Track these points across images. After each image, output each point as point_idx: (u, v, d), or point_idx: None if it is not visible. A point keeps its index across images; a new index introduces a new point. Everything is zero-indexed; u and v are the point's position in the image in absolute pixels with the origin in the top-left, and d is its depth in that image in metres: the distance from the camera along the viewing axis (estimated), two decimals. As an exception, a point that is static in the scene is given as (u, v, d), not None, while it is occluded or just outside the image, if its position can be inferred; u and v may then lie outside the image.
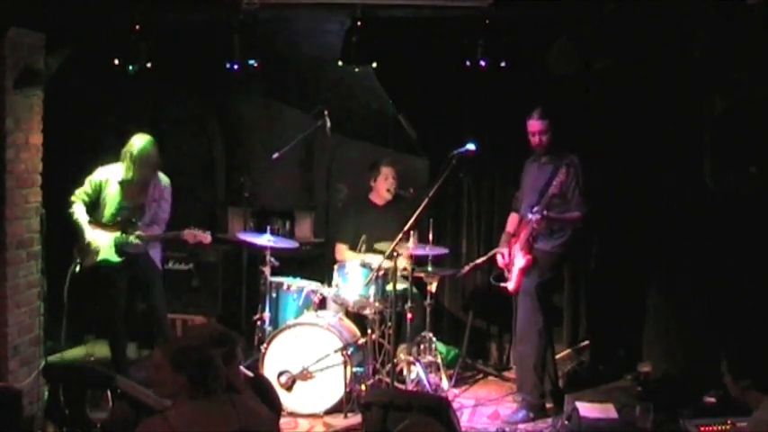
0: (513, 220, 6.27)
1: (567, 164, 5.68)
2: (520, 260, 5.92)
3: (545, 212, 5.69)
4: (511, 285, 6.08)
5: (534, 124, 5.88)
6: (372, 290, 6.08)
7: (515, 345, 6.23)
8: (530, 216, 5.78)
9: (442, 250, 6.51)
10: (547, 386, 5.96)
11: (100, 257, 6.04)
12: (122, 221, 6.04)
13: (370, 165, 6.87)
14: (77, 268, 6.03)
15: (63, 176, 6.03)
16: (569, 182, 5.70)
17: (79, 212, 6.04)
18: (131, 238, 6.02)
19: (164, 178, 6.20)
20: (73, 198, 6.06)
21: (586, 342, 6.84)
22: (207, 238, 6.07)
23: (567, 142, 5.92)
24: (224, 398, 3.54)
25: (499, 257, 6.19)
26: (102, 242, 6.04)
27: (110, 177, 6.08)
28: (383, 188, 6.74)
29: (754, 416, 3.68)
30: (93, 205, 6.11)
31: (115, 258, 6.04)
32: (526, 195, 6.06)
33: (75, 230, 6.05)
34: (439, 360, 6.34)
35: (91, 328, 7.14)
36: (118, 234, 6.03)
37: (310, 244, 7.45)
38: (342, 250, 6.83)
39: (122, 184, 6.06)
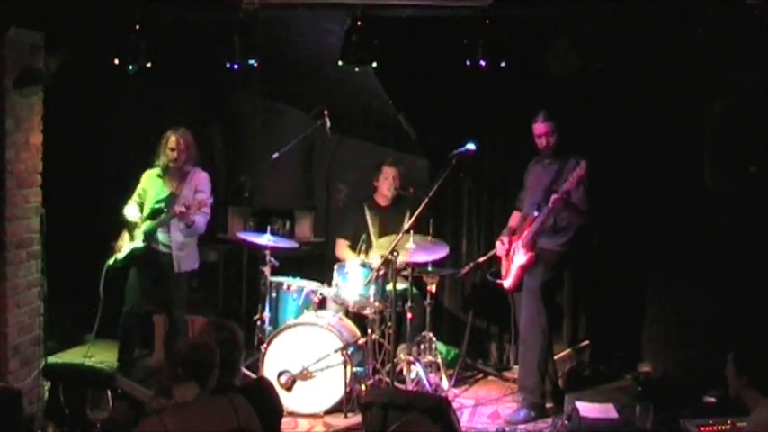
0: (515, 217, 6.28)
1: (584, 161, 5.66)
2: (521, 257, 5.92)
3: (564, 196, 5.65)
4: (507, 283, 6.08)
5: (540, 127, 5.89)
6: (372, 290, 6.08)
7: (519, 344, 6.22)
8: (535, 214, 5.77)
9: (442, 253, 6.42)
10: (547, 386, 5.96)
11: (132, 246, 6.19)
12: (155, 211, 6.17)
13: (374, 165, 6.88)
14: (112, 260, 6.19)
15: (63, 176, 6.04)
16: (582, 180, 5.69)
17: (130, 212, 6.26)
18: (155, 223, 6.15)
19: (201, 173, 6.32)
20: (128, 202, 6.30)
21: (586, 342, 6.84)
22: (206, 199, 6.14)
23: (569, 142, 5.93)
24: (222, 398, 3.54)
25: (498, 244, 6.18)
26: (137, 233, 6.22)
27: (152, 174, 6.28)
28: (385, 188, 6.75)
29: (754, 415, 3.68)
30: (143, 204, 6.29)
31: (140, 244, 6.16)
32: (530, 195, 6.06)
33: (125, 227, 6.27)
34: (439, 360, 6.34)
35: (99, 326, 7.14)
36: (148, 223, 6.18)
37: (310, 244, 7.45)
38: (341, 246, 6.84)
39: (161, 175, 6.25)
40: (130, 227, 6.26)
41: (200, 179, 6.27)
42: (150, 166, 6.32)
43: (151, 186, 6.27)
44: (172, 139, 6.17)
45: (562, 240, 5.89)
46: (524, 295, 5.96)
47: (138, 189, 6.32)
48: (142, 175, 6.34)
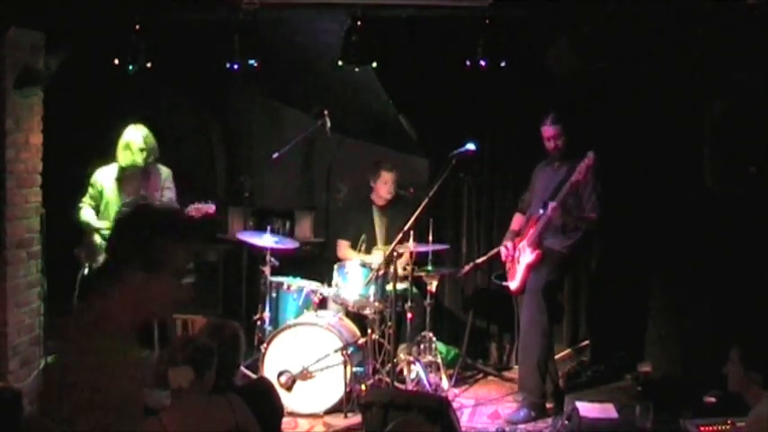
0: (518, 219, 6.26)
1: (592, 152, 5.63)
2: (528, 256, 5.91)
3: (563, 201, 5.66)
4: (513, 285, 6.07)
5: (548, 130, 5.88)
6: (372, 290, 6.08)
7: (519, 344, 6.22)
8: (541, 212, 5.77)
9: (442, 246, 6.51)
10: (548, 386, 5.96)
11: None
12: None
13: (372, 162, 6.88)
14: (86, 271, 6.06)
15: (63, 176, 6.04)
16: (591, 176, 5.66)
17: (87, 215, 6.11)
18: None
19: (164, 169, 6.24)
20: (80, 204, 6.13)
21: (586, 342, 6.84)
22: (211, 208, 6.11)
23: (573, 143, 5.93)
24: (220, 398, 3.54)
25: (503, 249, 6.17)
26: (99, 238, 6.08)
27: (109, 176, 6.13)
28: (384, 191, 6.75)
29: (754, 411, 3.69)
30: (98, 207, 6.15)
31: None
32: (537, 196, 6.04)
33: (84, 233, 6.09)
34: (439, 360, 6.34)
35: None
36: None
37: (310, 244, 7.45)
38: (343, 247, 6.85)
39: (120, 177, 6.10)
40: (90, 232, 6.06)
41: (165, 177, 6.18)
42: (102, 163, 6.16)
43: (111, 190, 6.10)
44: (137, 138, 6.02)
45: (569, 242, 5.88)
46: (526, 295, 5.95)
47: (91, 191, 6.14)
48: (93, 175, 6.15)
